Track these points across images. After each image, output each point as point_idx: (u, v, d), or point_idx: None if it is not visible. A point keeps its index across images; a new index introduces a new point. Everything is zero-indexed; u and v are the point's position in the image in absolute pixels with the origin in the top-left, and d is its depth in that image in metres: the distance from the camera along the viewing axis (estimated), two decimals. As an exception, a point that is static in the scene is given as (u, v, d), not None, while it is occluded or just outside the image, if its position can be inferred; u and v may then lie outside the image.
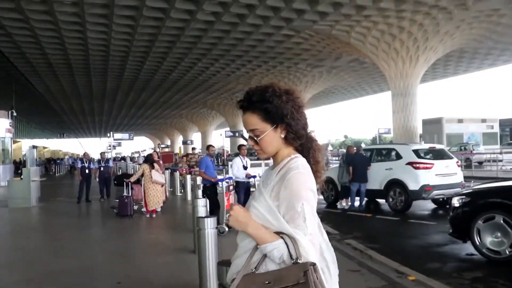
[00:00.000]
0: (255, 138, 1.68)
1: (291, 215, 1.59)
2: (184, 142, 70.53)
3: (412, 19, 23.50)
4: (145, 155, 13.74)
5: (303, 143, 1.73)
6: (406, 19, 23.57)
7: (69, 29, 25.34)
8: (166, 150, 59.39)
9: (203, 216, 5.86)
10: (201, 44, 28.17)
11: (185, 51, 30.12)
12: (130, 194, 10.96)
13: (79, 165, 14.56)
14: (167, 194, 12.83)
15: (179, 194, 15.82)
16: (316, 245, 1.61)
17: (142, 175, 11.01)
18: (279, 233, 1.57)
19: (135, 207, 10.96)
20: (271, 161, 1.79)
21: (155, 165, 11.19)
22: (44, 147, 68.01)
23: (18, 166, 32.56)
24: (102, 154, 15.38)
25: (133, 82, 41.68)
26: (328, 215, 11.52)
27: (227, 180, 9.33)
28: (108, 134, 29.26)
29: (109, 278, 5.65)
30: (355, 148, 13.57)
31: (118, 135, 27.23)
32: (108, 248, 7.84)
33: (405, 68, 25.98)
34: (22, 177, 13.15)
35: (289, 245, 1.53)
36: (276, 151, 1.71)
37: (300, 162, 1.68)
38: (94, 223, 10.75)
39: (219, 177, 9.78)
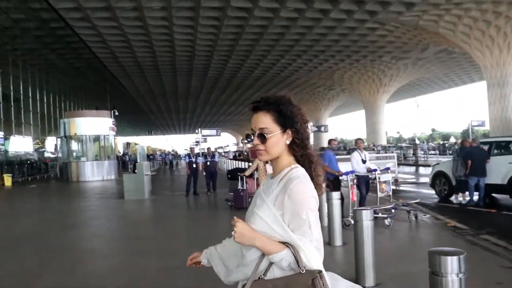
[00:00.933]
0: (265, 136, 1.71)
1: (297, 223, 1.63)
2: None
3: (511, 2, 21.82)
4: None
5: (304, 156, 1.78)
6: (504, 3, 21.95)
7: (157, 32, 26.65)
8: (249, 145, 60.19)
9: (359, 208, 5.93)
10: (283, 40, 28.31)
11: (268, 48, 30.45)
12: (244, 187, 11.30)
13: (187, 160, 15.26)
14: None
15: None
16: (321, 251, 1.65)
17: (256, 169, 11.36)
18: (284, 243, 1.61)
19: (249, 200, 11.28)
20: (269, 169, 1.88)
21: None
22: (136, 143, 71.89)
23: (119, 162, 34.76)
24: (208, 149, 16.02)
25: (217, 80, 42.87)
26: (447, 210, 10.92)
27: (350, 174, 9.30)
28: (196, 131, 30.36)
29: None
30: (470, 141, 12.88)
31: (205, 131, 28.12)
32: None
33: (502, 56, 24.26)
34: (136, 171, 14.00)
35: (296, 253, 1.58)
36: (278, 155, 1.75)
37: (300, 172, 1.72)
38: (212, 215, 11.08)
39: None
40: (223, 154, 50.80)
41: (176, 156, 47.28)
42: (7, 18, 24.80)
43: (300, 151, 1.76)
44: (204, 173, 15.16)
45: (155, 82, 43.78)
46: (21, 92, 28.32)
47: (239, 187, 11.38)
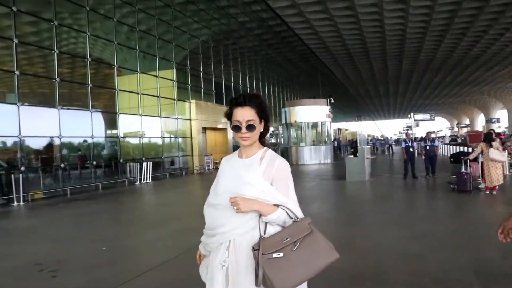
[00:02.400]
0: (254, 126, 2.08)
1: (284, 189, 2.06)
2: (489, 121, 65.22)
3: None
4: (484, 134, 13.96)
5: (265, 140, 2.22)
6: None
7: (367, 19, 27.17)
8: (465, 130, 56.09)
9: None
10: (509, 12, 25.63)
11: (488, 23, 27.96)
12: (468, 171, 11.41)
13: (403, 145, 15.84)
14: (505, 171, 13.13)
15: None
16: (299, 208, 2.07)
17: (481, 152, 11.32)
18: (275, 205, 2.00)
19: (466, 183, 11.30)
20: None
21: (494, 143, 11.30)
22: (346, 129, 73.63)
23: (334, 147, 36.46)
24: (428, 133, 16.26)
25: (429, 63, 41.09)
26: None
27: None
28: (408, 116, 29.97)
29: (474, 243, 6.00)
30: None
31: (418, 116, 27.57)
32: (464, 217, 8.36)
33: None
34: (357, 154, 15.19)
35: (287, 211, 1.99)
36: (256, 140, 2.15)
37: (274, 152, 2.18)
38: (433, 196, 11.41)
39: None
40: (438, 138, 48.35)
41: (386, 141, 47.08)
42: (235, 22, 28.79)
43: (266, 137, 2.21)
44: (423, 157, 15.38)
45: (364, 68, 44.32)
46: (247, 86, 32.23)
47: (463, 170, 11.37)
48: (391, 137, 55.35)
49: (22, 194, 12.29)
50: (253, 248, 1.91)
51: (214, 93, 25.88)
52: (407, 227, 7.21)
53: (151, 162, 18.25)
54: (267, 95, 36.06)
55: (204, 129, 23.87)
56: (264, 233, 1.94)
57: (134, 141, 19.14)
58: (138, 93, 18.72)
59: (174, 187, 16.37)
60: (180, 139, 22.35)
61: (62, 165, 14.56)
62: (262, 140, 2.18)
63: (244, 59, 31.47)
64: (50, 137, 14.39)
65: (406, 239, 6.30)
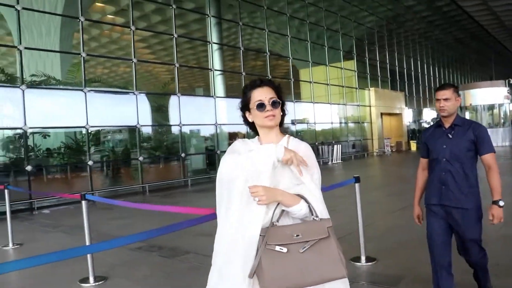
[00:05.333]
0: (278, 102, 1.92)
1: (317, 177, 1.88)
2: None
3: None
4: None
5: (285, 128, 2.09)
6: None
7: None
8: None
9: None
10: None
11: None
12: None
13: None
14: None
15: None
16: (322, 205, 1.83)
17: None
18: (298, 195, 1.78)
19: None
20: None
21: None
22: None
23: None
24: None
25: None
26: None
27: None
28: None
29: None
30: None
31: None
32: None
33: None
34: None
35: (310, 204, 1.76)
36: (277, 124, 1.96)
37: (296, 138, 2.00)
38: None
39: None
40: None
41: None
42: (399, 6, 29.35)
43: (283, 123, 2.00)
44: None
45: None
46: (418, 70, 32.86)
47: None
48: None
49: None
50: (259, 233, 1.70)
51: (389, 80, 27.50)
52: None
53: (340, 145, 20.89)
54: (437, 79, 36.01)
55: (381, 114, 25.78)
56: (277, 221, 1.74)
57: (325, 126, 21.90)
58: (327, 84, 21.44)
59: (365, 166, 18.57)
60: (361, 124, 24.65)
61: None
62: (281, 127, 2.01)
63: (414, 44, 32.19)
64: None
65: None
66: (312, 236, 1.68)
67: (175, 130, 14.36)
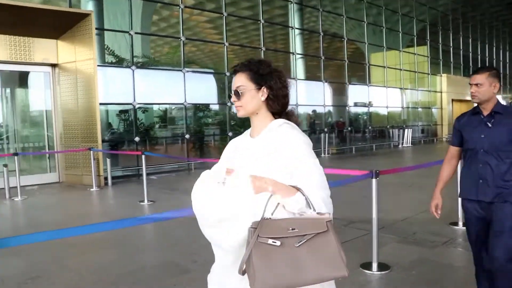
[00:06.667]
0: (239, 93, 1.76)
1: (311, 167, 1.67)
2: None
3: None
4: None
5: (283, 115, 1.82)
6: None
7: None
8: None
9: None
10: None
11: None
12: None
13: None
14: None
15: None
16: (320, 197, 1.62)
17: None
18: (294, 186, 1.60)
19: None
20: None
21: None
22: None
23: None
24: None
25: None
26: None
27: None
28: None
29: None
30: None
31: None
32: None
33: None
34: None
35: (306, 197, 1.57)
36: (254, 110, 1.78)
37: (284, 122, 1.77)
38: None
39: None
40: None
41: None
42: None
43: (276, 107, 1.78)
44: None
45: None
46: (493, 57, 31.96)
47: None
48: None
49: (326, 148, 16.84)
50: (251, 226, 1.52)
51: (461, 66, 27.22)
52: None
53: (410, 129, 21.28)
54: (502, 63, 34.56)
55: (452, 100, 25.72)
56: (271, 215, 1.53)
57: (396, 110, 22.33)
58: (399, 69, 21.75)
59: (434, 151, 18.97)
60: (431, 110, 24.76)
61: (349, 129, 18.78)
62: (275, 111, 1.80)
63: (490, 29, 31.22)
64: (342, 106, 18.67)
65: None
66: (309, 230, 1.48)
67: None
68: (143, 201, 7.91)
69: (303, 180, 1.61)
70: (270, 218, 1.52)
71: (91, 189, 9.61)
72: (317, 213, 1.54)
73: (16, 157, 9.09)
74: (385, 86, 20.73)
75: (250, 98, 1.76)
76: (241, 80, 1.77)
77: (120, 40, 12.26)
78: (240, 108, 1.78)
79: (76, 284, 4.12)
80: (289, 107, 1.84)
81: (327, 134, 17.13)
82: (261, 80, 1.75)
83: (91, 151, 9.77)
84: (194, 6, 13.98)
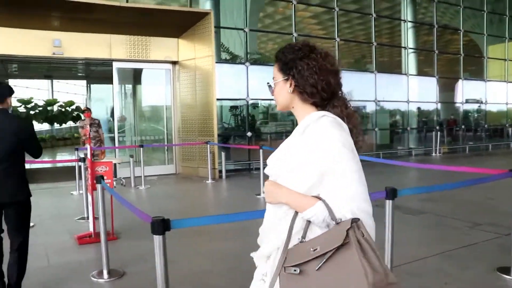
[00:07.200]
0: (270, 85, 1.64)
1: (341, 170, 1.40)
2: None
3: None
4: None
5: (326, 107, 1.55)
6: None
7: None
8: None
9: None
10: None
11: None
12: None
13: None
14: None
15: None
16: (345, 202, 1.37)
17: None
18: (315, 196, 1.38)
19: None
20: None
21: None
22: None
23: None
24: None
25: None
26: None
27: None
28: None
29: None
30: None
31: None
32: None
33: None
34: None
35: (328, 206, 1.34)
36: (285, 104, 1.59)
37: (320, 117, 1.49)
38: None
39: None
40: None
41: None
42: None
43: (309, 99, 1.52)
44: None
45: None
46: None
47: None
48: None
49: (437, 148, 15.98)
50: (279, 246, 1.44)
51: None
52: None
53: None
54: None
55: None
56: (303, 237, 1.38)
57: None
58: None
59: None
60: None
61: (462, 127, 17.63)
62: (312, 104, 1.54)
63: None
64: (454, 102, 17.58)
65: None
66: (329, 246, 1.27)
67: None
68: (259, 194, 8.10)
69: (331, 188, 1.36)
70: (301, 240, 1.37)
71: (207, 181, 10.02)
72: (336, 222, 1.31)
73: (141, 149, 9.78)
74: (505, 81, 19.14)
75: (279, 91, 1.59)
76: (273, 72, 1.62)
77: (230, 37, 12.60)
78: (277, 103, 1.62)
79: (211, 270, 4.32)
80: (342, 94, 1.57)
81: (438, 133, 16.22)
82: (287, 69, 1.55)
83: (208, 145, 10.17)
84: (307, 2, 13.89)
